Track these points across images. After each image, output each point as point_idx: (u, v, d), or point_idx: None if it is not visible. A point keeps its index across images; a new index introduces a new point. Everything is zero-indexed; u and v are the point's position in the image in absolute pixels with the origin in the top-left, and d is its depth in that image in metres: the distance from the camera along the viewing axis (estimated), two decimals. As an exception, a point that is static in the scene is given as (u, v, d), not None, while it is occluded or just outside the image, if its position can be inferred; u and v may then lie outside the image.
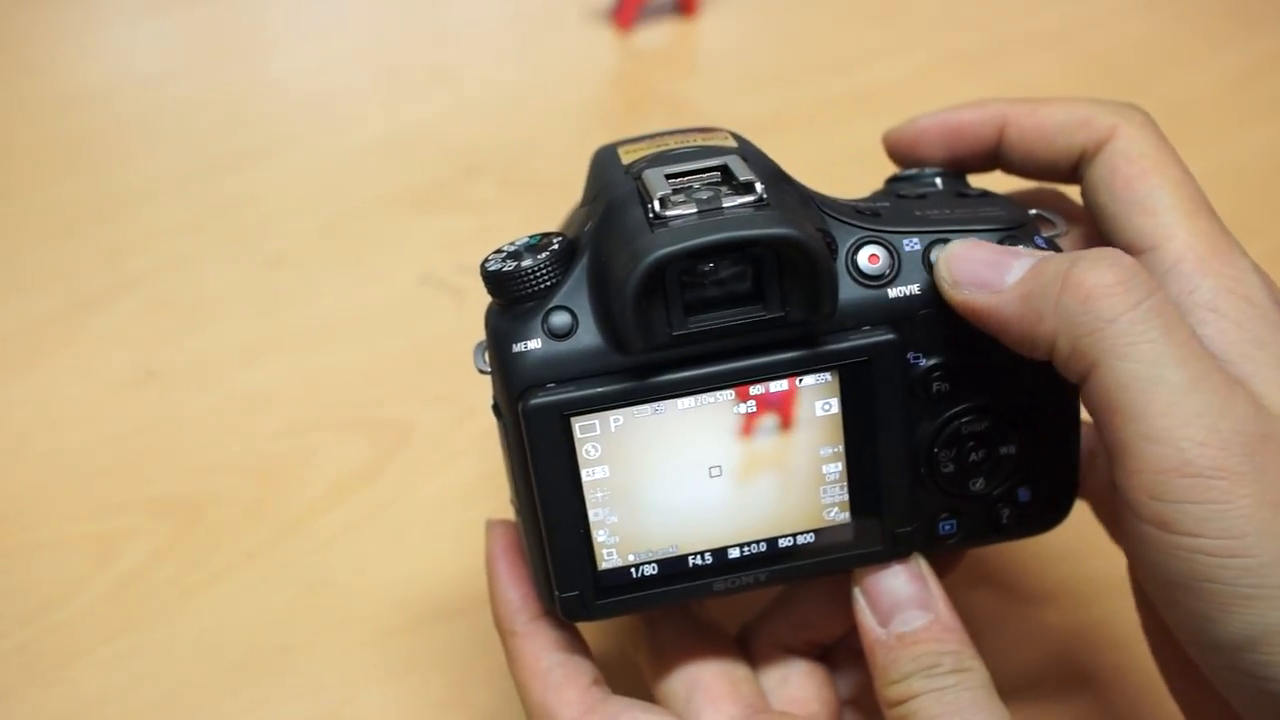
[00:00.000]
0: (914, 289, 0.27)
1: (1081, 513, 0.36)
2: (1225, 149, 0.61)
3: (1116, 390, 0.24)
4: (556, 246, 0.27)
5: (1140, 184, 0.28)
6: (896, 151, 0.34)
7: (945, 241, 0.27)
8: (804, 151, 0.56)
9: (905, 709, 0.27)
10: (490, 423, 0.39)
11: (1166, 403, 0.23)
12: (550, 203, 0.62)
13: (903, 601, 0.28)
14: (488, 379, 0.29)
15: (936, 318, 0.27)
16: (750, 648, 0.33)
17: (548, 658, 0.30)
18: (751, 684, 0.31)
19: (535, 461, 0.27)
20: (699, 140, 0.29)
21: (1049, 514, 0.30)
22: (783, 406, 0.27)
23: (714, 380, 0.27)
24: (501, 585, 0.31)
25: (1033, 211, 0.30)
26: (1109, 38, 0.72)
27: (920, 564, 0.29)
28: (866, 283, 0.27)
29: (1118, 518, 0.25)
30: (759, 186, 0.26)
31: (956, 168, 0.33)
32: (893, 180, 0.32)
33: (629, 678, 0.33)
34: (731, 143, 0.29)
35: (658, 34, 0.77)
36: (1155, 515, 0.23)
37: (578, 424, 0.27)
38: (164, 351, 0.53)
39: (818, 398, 0.27)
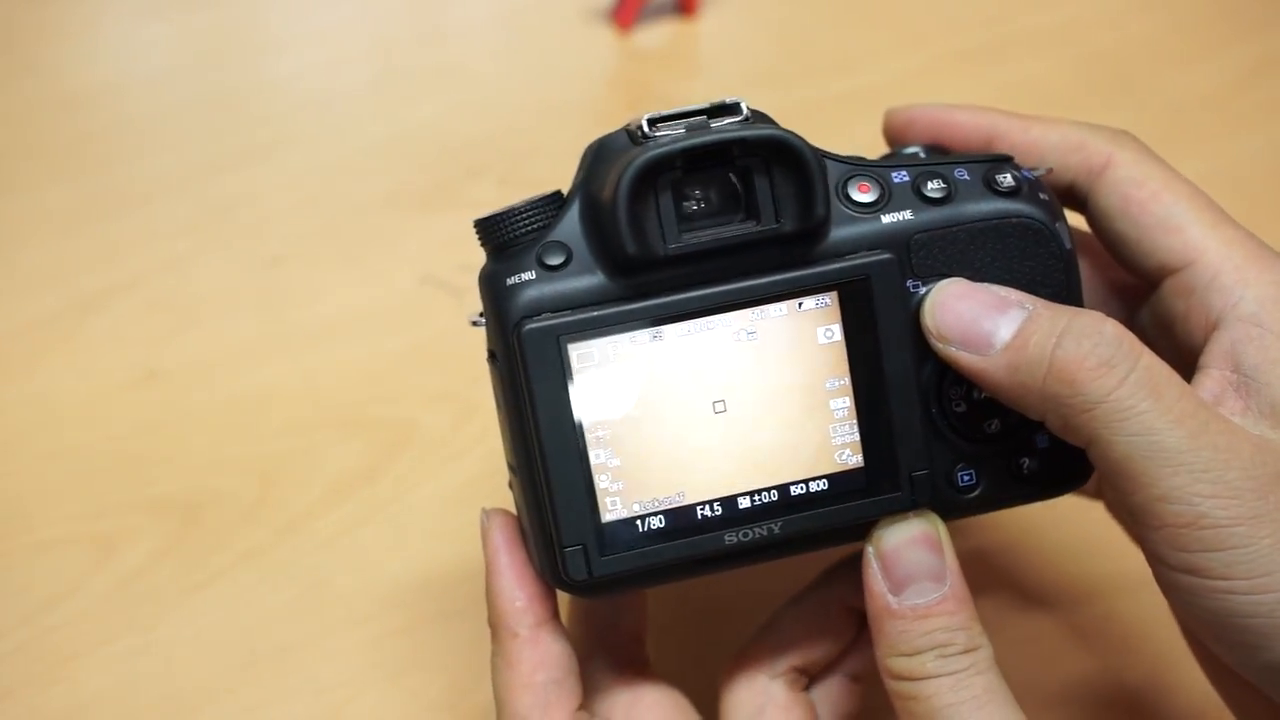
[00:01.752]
0: (907, 214, 0.28)
1: (1081, 512, 0.36)
2: (1225, 149, 0.61)
3: (1119, 462, 0.24)
4: (544, 196, 0.28)
5: (1157, 205, 0.28)
6: (890, 129, 0.34)
7: (935, 177, 0.28)
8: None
9: (914, 687, 0.27)
10: (490, 422, 0.39)
11: (1170, 466, 0.23)
12: (550, 203, 0.62)
13: (918, 571, 0.27)
14: (487, 375, 0.29)
15: (932, 242, 0.28)
16: (731, 677, 0.32)
17: (545, 673, 0.29)
18: (690, 711, 0.31)
19: (532, 395, 0.27)
20: None
21: (1072, 465, 0.29)
22: (785, 333, 0.27)
23: (712, 301, 0.27)
24: (505, 582, 0.30)
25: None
26: (1109, 38, 0.72)
27: (940, 530, 0.28)
28: (859, 211, 0.28)
29: (1150, 563, 0.25)
30: (745, 106, 0.27)
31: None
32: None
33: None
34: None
35: (658, 34, 0.77)
36: (1184, 564, 0.24)
37: (574, 353, 0.27)
38: (164, 351, 0.53)
39: (819, 323, 0.27)
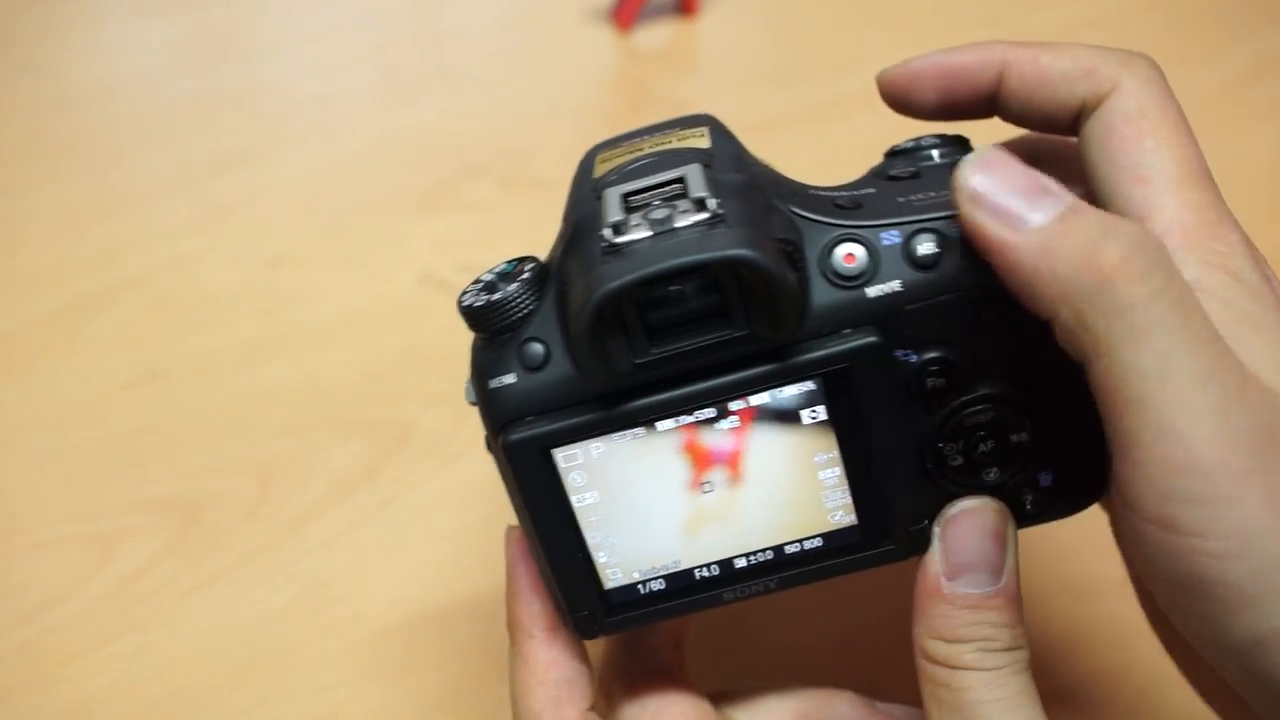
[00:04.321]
0: (895, 285, 0.26)
1: (1081, 512, 0.36)
2: (1225, 149, 0.61)
3: (1125, 380, 0.22)
4: (528, 275, 0.27)
5: (1135, 147, 0.27)
6: (890, 94, 0.32)
7: (927, 232, 0.26)
8: (804, 151, 0.56)
9: (950, 675, 0.26)
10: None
11: (1178, 396, 0.22)
12: (550, 203, 0.62)
13: (978, 561, 0.27)
14: (465, 396, 0.29)
15: (924, 311, 0.26)
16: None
17: (558, 672, 0.30)
18: (714, 717, 0.31)
19: (524, 494, 0.27)
20: (674, 141, 0.29)
21: (1078, 492, 0.29)
22: (769, 418, 0.27)
23: (689, 401, 0.26)
24: (523, 587, 0.30)
25: None
26: (1109, 38, 0.72)
27: (1009, 527, 0.27)
28: (844, 284, 0.26)
29: (1116, 517, 0.25)
30: (712, 203, 0.25)
31: (951, 114, 0.31)
32: (890, 155, 0.31)
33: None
34: (705, 142, 0.28)
35: (658, 34, 0.77)
36: (1159, 515, 0.23)
37: (559, 455, 0.27)
38: (164, 351, 0.53)
39: (803, 406, 0.27)
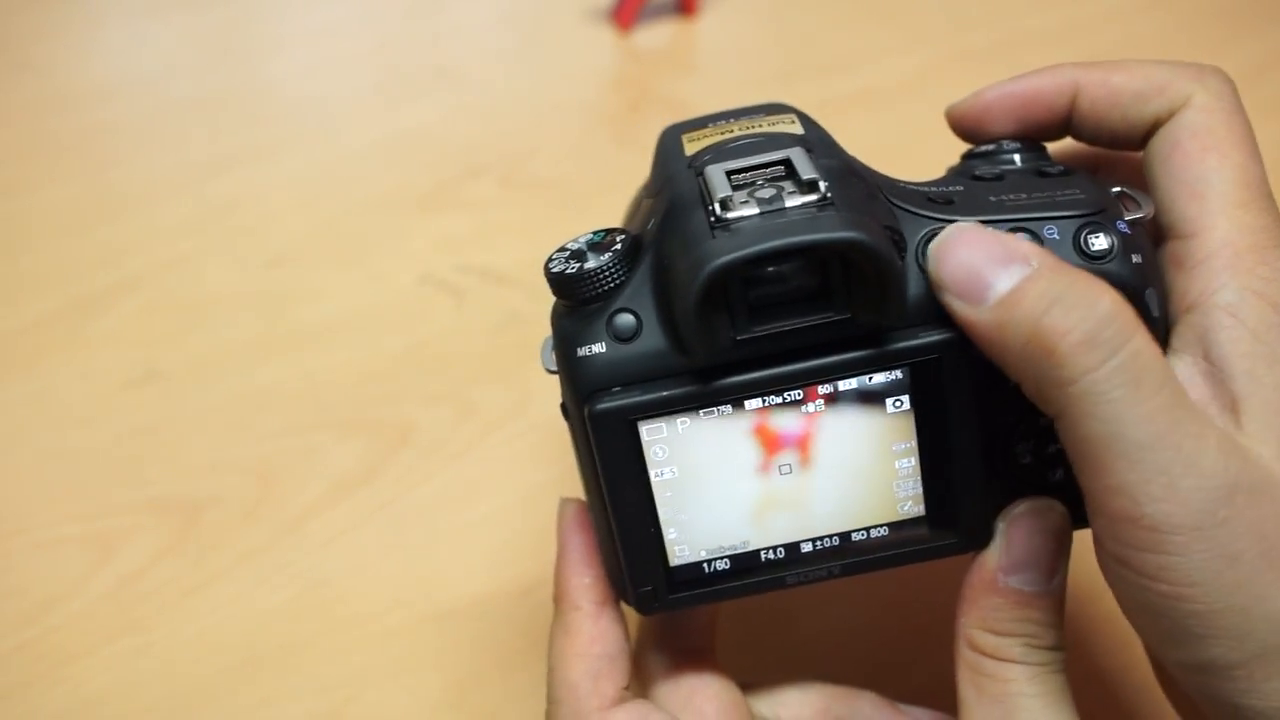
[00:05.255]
0: None
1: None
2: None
3: (1080, 442, 0.23)
4: (620, 246, 0.27)
5: (1197, 163, 0.27)
6: (962, 127, 0.32)
7: (1021, 232, 0.26)
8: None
9: (995, 666, 0.27)
10: (489, 422, 0.39)
11: (1127, 459, 0.23)
12: (550, 203, 0.62)
13: (1036, 560, 0.27)
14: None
15: None
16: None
17: (601, 646, 0.30)
18: (745, 707, 0.31)
19: (603, 464, 0.27)
20: (765, 125, 0.29)
21: None
22: (854, 403, 0.27)
23: (782, 381, 0.26)
24: (574, 560, 0.30)
25: (1116, 190, 0.28)
26: (1111, 37, 0.72)
27: (1069, 530, 0.28)
28: None
29: (1093, 538, 0.25)
30: (823, 185, 0.25)
31: (1028, 138, 0.31)
32: (969, 157, 0.31)
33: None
34: (797, 128, 0.28)
35: (658, 34, 0.77)
36: (1117, 555, 0.24)
37: (644, 427, 0.27)
38: (164, 351, 0.53)
39: (889, 394, 0.27)
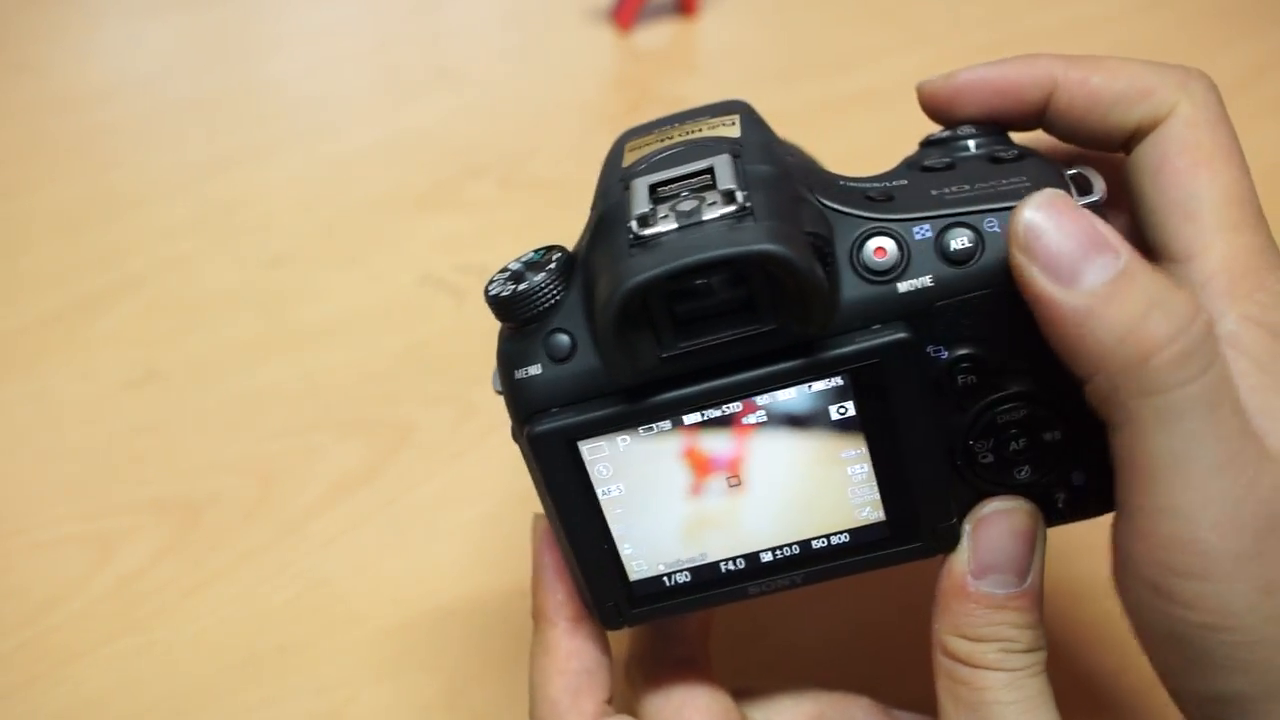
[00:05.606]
0: (926, 280, 0.25)
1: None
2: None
3: (1145, 456, 0.23)
4: (554, 265, 0.27)
5: (1189, 180, 0.26)
6: (931, 105, 0.30)
7: (961, 226, 0.25)
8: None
9: (970, 674, 0.26)
10: (489, 422, 0.39)
11: (1192, 482, 0.22)
12: (550, 203, 0.62)
13: (1005, 562, 0.27)
14: (486, 376, 0.29)
15: (956, 308, 0.26)
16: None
17: (579, 661, 0.30)
18: (736, 715, 0.31)
19: (549, 485, 0.27)
20: (704, 129, 0.28)
21: (1112, 491, 0.27)
22: (796, 413, 0.26)
23: (716, 395, 0.26)
24: (549, 576, 0.30)
25: (1071, 171, 0.27)
26: (1110, 38, 0.72)
27: (1040, 527, 0.27)
28: (874, 278, 0.26)
29: (1115, 561, 0.25)
30: (740, 195, 0.24)
31: (989, 122, 0.30)
32: (925, 144, 0.30)
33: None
34: (734, 131, 0.28)
35: (658, 34, 0.77)
36: (1153, 580, 0.23)
37: (585, 446, 0.26)
38: (164, 351, 0.53)
39: (831, 402, 0.26)
